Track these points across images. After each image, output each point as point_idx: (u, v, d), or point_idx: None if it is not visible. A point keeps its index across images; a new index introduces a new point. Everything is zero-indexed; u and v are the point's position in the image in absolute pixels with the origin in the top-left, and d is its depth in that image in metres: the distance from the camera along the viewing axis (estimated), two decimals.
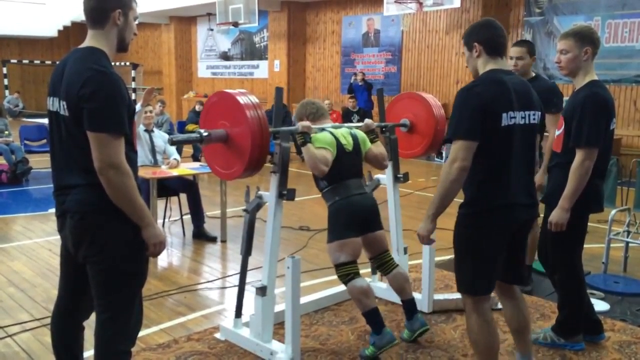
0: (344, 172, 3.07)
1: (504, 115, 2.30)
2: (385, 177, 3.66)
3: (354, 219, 3.04)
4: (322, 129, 3.13)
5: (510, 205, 2.39)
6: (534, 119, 2.43)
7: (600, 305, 3.74)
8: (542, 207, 3.01)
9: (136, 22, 2.23)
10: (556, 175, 2.97)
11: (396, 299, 3.68)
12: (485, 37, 2.42)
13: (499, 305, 3.60)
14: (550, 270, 3.21)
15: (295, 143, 3.02)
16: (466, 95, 2.32)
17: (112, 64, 2.10)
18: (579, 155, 2.82)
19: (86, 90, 1.95)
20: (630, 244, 4.50)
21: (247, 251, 3.14)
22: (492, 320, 2.51)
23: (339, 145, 3.07)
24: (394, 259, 3.27)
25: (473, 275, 2.45)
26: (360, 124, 3.41)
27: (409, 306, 3.19)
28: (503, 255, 2.47)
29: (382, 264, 3.23)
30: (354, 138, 3.19)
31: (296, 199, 3.06)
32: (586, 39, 2.89)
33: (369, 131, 3.31)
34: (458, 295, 3.69)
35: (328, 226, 3.10)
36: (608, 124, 2.90)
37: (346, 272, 3.02)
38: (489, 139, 2.29)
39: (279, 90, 3.10)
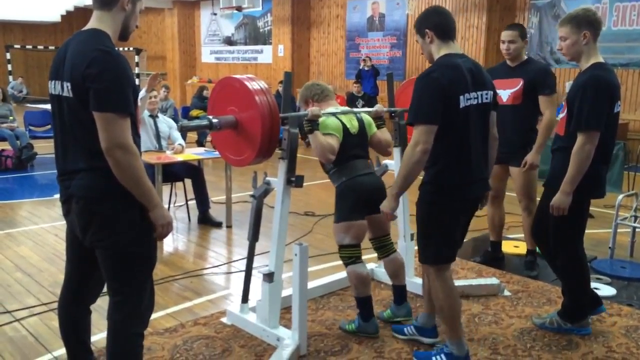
0: (349, 154, 3.06)
1: (462, 97, 2.45)
2: (393, 162, 3.65)
3: (360, 199, 3.04)
4: (329, 115, 3.11)
5: (471, 181, 2.58)
6: (486, 98, 2.58)
7: (606, 290, 3.74)
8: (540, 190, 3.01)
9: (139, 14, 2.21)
10: (558, 159, 2.96)
11: None
12: (435, 22, 2.57)
13: (506, 292, 3.62)
14: (550, 255, 3.19)
15: (301, 129, 3.00)
16: (424, 81, 2.46)
17: (116, 49, 2.08)
18: (579, 139, 2.80)
19: (92, 70, 1.93)
20: (637, 229, 4.48)
21: (254, 237, 3.13)
22: (454, 287, 2.72)
23: (345, 129, 3.07)
24: (393, 243, 3.27)
25: (437, 247, 2.63)
26: (366, 109, 3.40)
27: (400, 292, 3.25)
28: (461, 227, 2.71)
29: (381, 246, 3.24)
30: (360, 121, 3.18)
31: None
32: (583, 23, 2.86)
33: (377, 117, 3.29)
34: (464, 282, 3.73)
35: (335, 206, 3.10)
36: (611, 107, 2.85)
37: (349, 254, 3.05)
38: (449, 121, 2.44)
39: (287, 75, 3.07)
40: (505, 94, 3.83)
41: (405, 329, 3.08)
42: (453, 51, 2.55)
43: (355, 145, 3.10)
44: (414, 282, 3.60)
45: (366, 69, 11.14)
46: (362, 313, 3.08)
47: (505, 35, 3.85)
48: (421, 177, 2.63)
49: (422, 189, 2.65)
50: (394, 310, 3.25)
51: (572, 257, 3.07)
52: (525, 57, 3.92)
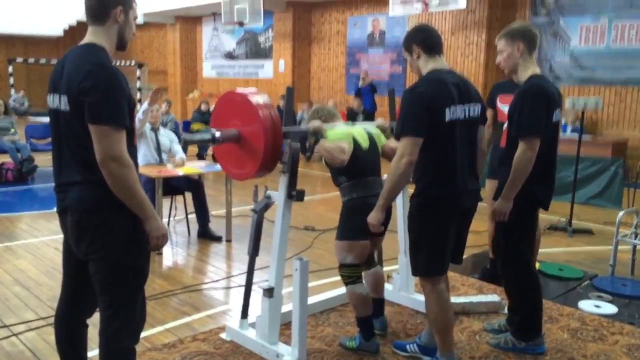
0: (363, 169, 3.04)
1: (447, 110, 2.51)
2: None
3: (367, 221, 3.01)
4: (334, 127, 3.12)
5: (458, 192, 2.62)
6: (474, 111, 2.64)
7: (608, 308, 3.72)
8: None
9: (135, 22, 2.24)
10: (503, 171, 2.95)
11: (404, 301, 3.68)
12: (421, 38, 2.66)
13: (507, 309, 3.59)
14: (502, 266, 3.16)
15: (303, 147, 3.01)
16: (410, 96, 2.54)
17: (118, 63, 2.10)
18: (520, 146, 2.81)
19: (86, 83, 1.96)
20: (638, 246, 4.47)
21: (254, 251, 3.11)
22: (448, 300, 2.76)
23: (355, 142, 3.05)
24: (375, 258, 3.32)
25: (428, 259, 2.67)
26: (367, 122, 3.41)
27: (378, 304, 3.28)
28: (452, 239, 2.71)
29: (366, 260, 3.24)
30: (369, 135, 3.17)
31: None
32: (517, 36, 2.92)
33: (381, 130, 3.30)
34: (464, 299, 3.71)
35: (340, 222, 3.08)
36: (550, 115, 2.87)
37: (349, 273, 3.04)
38: (435, 133, 2.50)
39: (289, 90, 3.08)
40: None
41: (407, 346, 3.06)
42: (440, 66, 2.65)
43: (367, 161, 3.08)
44: (415, 298, 3.58)
45: (364, 86, 11.22)
46: (363, 332, 3.06)
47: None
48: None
49: (412, 202, 2.71)
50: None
51: (524, 271, 3.05)
52: (506, 72, 3.94)
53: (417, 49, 2.65)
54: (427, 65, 2.65)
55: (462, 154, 2.61)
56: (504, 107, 3.87)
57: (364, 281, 3.13)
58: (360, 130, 3.17)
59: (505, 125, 2.99)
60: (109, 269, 2.12)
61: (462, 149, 2.61)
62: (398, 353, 3.06)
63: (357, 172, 3.03)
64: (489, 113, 4.12)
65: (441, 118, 2.50)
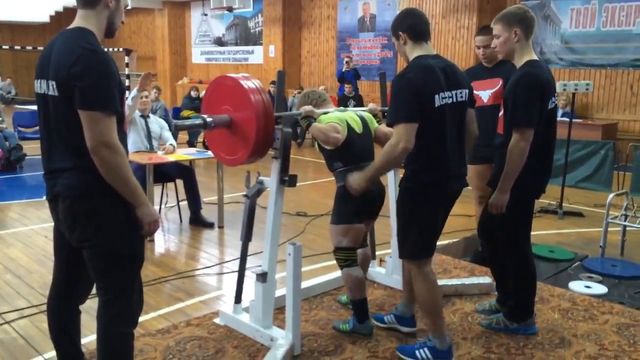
0: (358, 154, 3.04)
1: (437, 96, 2.52)
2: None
3: (363, 206, 3.03)
4: (327, 112, 3.11)
5: (447, 177, 2.64)
6: (461, 96, 2.64)
7: (598, 289, 3.76)
8: None
9: (125, 9, 2.20)
10: (499, 158, 2.95)
11: (396, 284, 3.70)
12: (408, 25, 2.65)
13: (496, 291, 3.62)
14: (494, 256, 3.22)
15: (295, 132, 3.00)
16: (400, 83, 2.54)
17: (105, 49, 2.07)
18: (514, 136, 2.81)
19: (77, 68, 1.93)
20: (627, 228, 4.51)
21: (247, 237, 3.11)
22: (436, 281, 2.78)
23: (349, 126, 3.04)
24: (366, 239, 3.36)
25: (417, 242, 2.70)
26: (358, 108, 3.40)
27: None
28: (440, 222, 2.76)
29: None
30: (362, 119, 3.17)
31: None
32: (513, 20, 2.89)
33: (372, 115, 3.29)
34: (456, 281, 3.73)
35: (334, 206, 3.08)
36: (544, 104, 2.86)
37: (345, 256, 3.05)
38: (426, 119, 2.51)
39: (280, 74, 3.06)
40: (485, 95, 3.83)
41: (385, 317, 3.18)
42: (426, 52, 2.64)
43: (362, 145, 3.08)
44: (399, 278, 3.61)
45: (348, 70, 11.15)
46: (357, 315, 3.09)
47: (479, 40, 3.87)
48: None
49: (401, 186, 2.73)
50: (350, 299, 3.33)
51: (521, 257, 3.08)
52: (500, 58, 3.90)
53: (404, 35, 2.64)
54: (413, 51, 2.64)
55: (452, 139, 2.62)
56: (479, 92, 3.83)
57: (375, 265, 3.14)
58: (353, 115, 3.16)
59: (501, 113, 2.97)
60: (102, 255, 2.11)
61: (452, 133, 2.62)
62: (377, 324, 3.16)
63: (353, 156, 3.03)
64: None
65: (431, 104, 2.51)
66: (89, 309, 2.53)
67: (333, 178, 3.13)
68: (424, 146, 2.55)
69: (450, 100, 2.58)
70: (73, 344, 2.40)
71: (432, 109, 2.51)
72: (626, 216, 4.48)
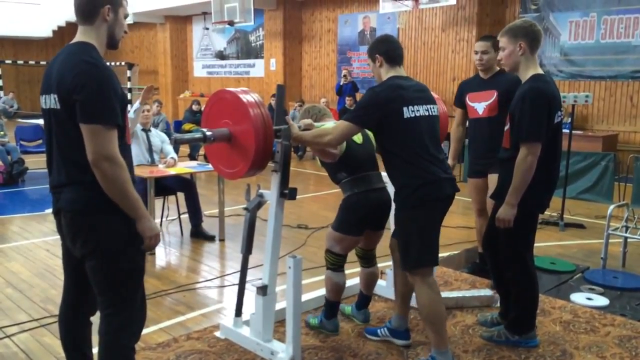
0: (361, 164, 3.09)
1: (405, 109, 2.67)
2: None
3: (367, 216, 3.08)
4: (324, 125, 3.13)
5: (435, 180, 2.70)
6: (433, 111, 2.82)
7: (599, 301, 3.75)
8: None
9: (127, 21, 2.23)
10: (506, 170, 2.96)
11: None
12: (384, 49, 2.83)
13: (499, 303, 3.62)
14: (497, 268, 3.21)
15: (296, 145, 3.02)
16: (367, 93, 2.76)
17: (107, 63, 2.10)
18: (521, 151, 2.83)
19: (78, 82, 1.95)
20: (628, 239, 4.51)
21: (247, 250, 3.12)
22: (439, 293, 2.80)
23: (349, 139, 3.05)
24: (375, 257, 3.38)
25: (419, 251, 2.72)
26: None
27: (365, 300, 3.44)
28: (439, 227, 2.80)
29: (366, 257, 3.35)
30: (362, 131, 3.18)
31: None
32: (519, 34, 2.91)
33: None
34: (458, 294, 3.73)
35: (338, 213, 3.14)
36: (551, 118, 2.87)
37: (333, 260, 3.17)
38: (394, 129, 2.68)
39: (280, 88, 3.09)
40: (480, 107, 3.83)
41: (378, 330, 3.20)
42: (399, 74, 2.81)
43: (364, 155, 3.12)
44: None
45: (346, 83, 11.22)
46: (327, 312, 3.24)
47: (479, 46, 3.87)
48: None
49: (396, 199, 2.77)
50: (354, 311, 3.45)
51: (523, 270, 3.07)
52: (498, 69, 3.89)
53: (380, 58, 2.81)
54: (387, 73, 2.81)
55: (430, 147, 2.71)
56: (474, 104, 3.86)
57: (356, 276, 3.15)
58: None
59: (508, 126, 2.98)
60: (103, 270, 2.12)
61: (430, 142, 2.72)
62: (370, 338, 3.18)
63: (356, 166, 3.08)
64: (458, 112, 4.10)
65: (398, 115, 2.65)
66: (97, 320, 2.53)
67: (334, 190, 3.16)
68: (405, 155, 2.67)
69: (426, 113, 2.74)
70: (83, 354, 2.40)
71: (400, 120, 2.66)
72: (627, 227, 4.47)
